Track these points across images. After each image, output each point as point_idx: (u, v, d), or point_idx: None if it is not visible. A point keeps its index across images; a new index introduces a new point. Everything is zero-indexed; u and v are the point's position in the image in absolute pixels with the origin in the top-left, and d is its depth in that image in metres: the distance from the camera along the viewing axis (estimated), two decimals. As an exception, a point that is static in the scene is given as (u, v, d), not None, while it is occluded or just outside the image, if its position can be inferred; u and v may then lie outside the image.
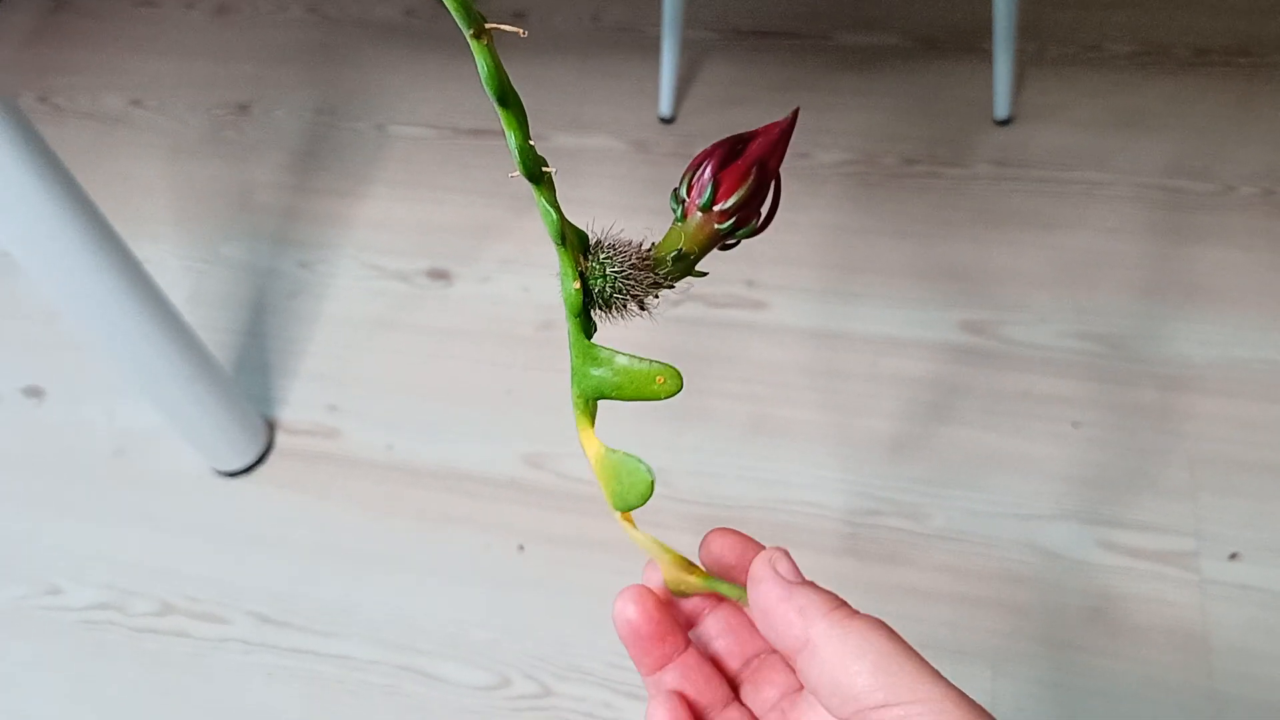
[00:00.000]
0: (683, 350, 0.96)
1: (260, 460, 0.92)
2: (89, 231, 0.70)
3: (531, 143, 0.27)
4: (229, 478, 0.92)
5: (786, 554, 0.32)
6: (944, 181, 1.05)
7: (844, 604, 0.31)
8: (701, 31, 1.23)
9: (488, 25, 0.26)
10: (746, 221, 0.31)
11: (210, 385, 0.84)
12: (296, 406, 0.96)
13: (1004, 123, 1.09)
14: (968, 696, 0.27)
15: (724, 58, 1.19)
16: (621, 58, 1.22)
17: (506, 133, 0.27)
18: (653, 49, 1.22)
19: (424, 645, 0.81)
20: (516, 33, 0.27)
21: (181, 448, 0.95)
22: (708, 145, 0.31)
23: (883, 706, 0.27)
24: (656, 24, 1.25)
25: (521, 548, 0.85)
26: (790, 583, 0.31)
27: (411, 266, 1.05)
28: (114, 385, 1.00)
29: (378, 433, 0.94)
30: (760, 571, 0.31)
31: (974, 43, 1.17)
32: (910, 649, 0.29)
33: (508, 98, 0.27)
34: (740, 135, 0.31)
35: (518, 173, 0.28)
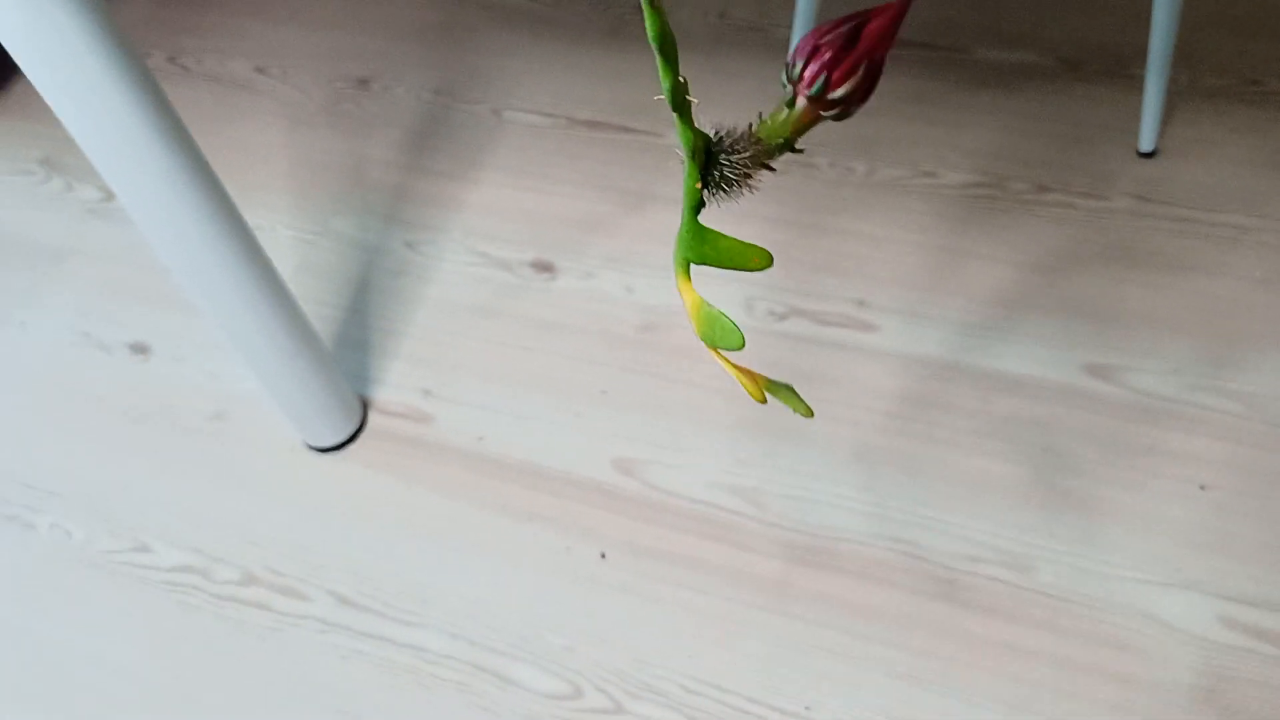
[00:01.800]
0: (786, 366, 0.92)
1: (352, 438, 0.93)
2: (202, 193, 0.70)
3: (681, 79, 0.31)
4: (321, 453, 0.92)
5: None
6: (1078, 213, 0.99)
7: None
8: (830, 35, 1.18)
9: None
10: (849, 110, 0.33)
11: (310, 361, 0.84)
12: (392, 388, 0.96)
13: (1149, 155, 1.02)
14: None
15: (852, 64, 1.15)
16: (747, 57, 1.18)
17: (661, 74, 0.31)
18: (780, 50, 1.19)
19: (499, 644, 0.80)
20: None
21: (278, 418, 0.95)
22: (825, 23, 0.33)
23: None
24: (786, 25, 1.21)
25: (604, 555, 0.84)
26: None
27: (517, 256, 1.04)
28: (218, 348, 1.02)
29: (470, 421, 0.93)
30: None
31: (1121, 67, 1.10)
32: None
33: (666, 47, 0.31)
34: (853, 18, 0.32)
35: (662, 97, 0.35)
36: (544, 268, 1.03)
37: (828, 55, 0.32)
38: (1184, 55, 1.10)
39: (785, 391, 0.36)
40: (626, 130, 1.13)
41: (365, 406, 0.95)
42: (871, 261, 0.98)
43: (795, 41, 1.03)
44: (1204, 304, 0.92)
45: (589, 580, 0.83)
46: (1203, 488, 0.82)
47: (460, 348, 0.98)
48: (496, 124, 1.17)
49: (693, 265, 0.35)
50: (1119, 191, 1.00)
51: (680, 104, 0.32)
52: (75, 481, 0.94)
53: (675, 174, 1.09)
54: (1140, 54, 1.11)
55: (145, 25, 1.37)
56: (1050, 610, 0.77)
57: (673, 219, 1.04)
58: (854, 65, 0.32)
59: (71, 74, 0.59)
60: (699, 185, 0.34)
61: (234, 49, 1.32)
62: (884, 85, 1.13)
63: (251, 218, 1.13)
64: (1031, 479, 0.83)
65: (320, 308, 1.03)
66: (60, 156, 1.23)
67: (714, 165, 0.34)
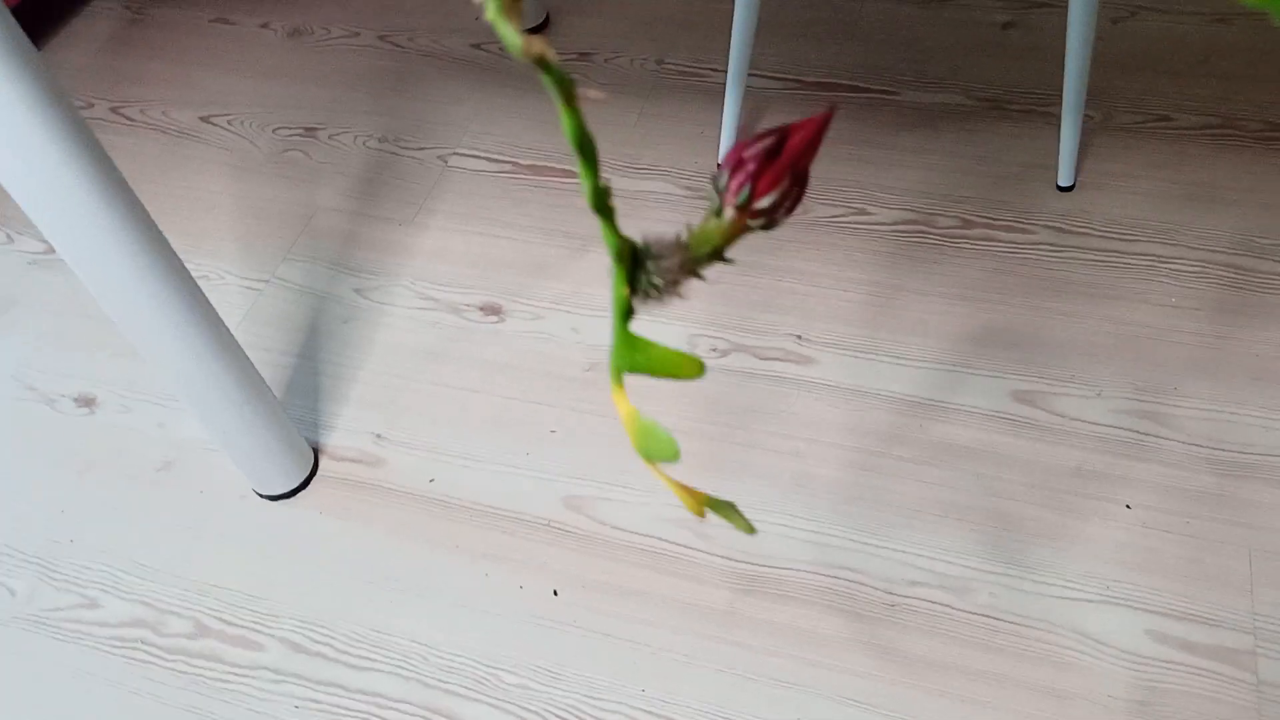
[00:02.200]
0: (728, 401, 0.95)
1: (304, 485, 0.93)
2: (142, 245, 0.70)
3: (602, 183, 0.32)
4: (272, 500, 0.93)
5: None
6: (1002, 246, 1.04)
7: None
8: (765, 79, 1.23)
9: (577, 93, 0.30)
10: (776, 219, 0.34)
11: (259, 409, 0.85)
12: (343, 433, 0.97)
13: (1067, 189, 1.07)
14: None
15: (787, 107, 1.19)
16: (684, 102, 1.22)
17: (581, 176, 0.31)
18: (716, 95, 1.23)
19: (454, 685, 0.81)
20: (599, 98, 0.31)
21: (227, 466, 0.96)
22: (747, 137, 0.35)
23: None
24: (721, 69, 1.25)
25: (556, 592, 0.85)
26: None
27: (465, 300, 1.06)
28: (166, 398, 1.02)
29: (421, 464, 0.94)
30: None
31: (1040, 106, 1.16)
32: None
33: (585, 149, 0.31)
34: (778, 131, 0.33)
35: (586, 204, 0.34)
36: (492, 310, 1.05)
37: (752, 167, 0.33)
38: (1098, 94, 1.16)
39: (726, 508, 0.37)
40: (570, 175, 1.16)
41: (316, 452, 0.95)
42: (808, 298, 1.01)
43: (729, 87, 1.07)
44: (1123, 330, 0.96)
45: (542, 617, 0.84)
46: (1129, 507, 0.85)
47: (410, 391, 1.00)
48: (443, 170, 1.19)
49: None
50: (1040, 225, 1.05)
51: (602, 207, 0.32)
52: (19, 537, 0.93)
53: (620, 216, 1.11)
54: (1057, 94, 1.17)
55: (89, 75, 1.38)
56: (987, 630, 0.80)
57: (617, 260, 1.07)
58: (777, 177, 0.33)
59: (10, 133, 0.60)
60: (627, 292, 0.34)
61: (180, 98, 1.33)
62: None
63: (199, 266, 1.13)
64: (966, 503, 0.87)
65: (269, 355, 1.04)
66: (0, 208, 1.23)
67: (642, 272, 0.35)
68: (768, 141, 0.33)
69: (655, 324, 1.01)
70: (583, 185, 0.32)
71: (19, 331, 1.09)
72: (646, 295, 0.35)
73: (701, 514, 0.36)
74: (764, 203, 0.33)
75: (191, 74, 1.36)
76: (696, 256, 0.35)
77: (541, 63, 0.28)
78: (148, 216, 0.70)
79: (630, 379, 0.97)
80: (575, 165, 1.17)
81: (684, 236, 0.35)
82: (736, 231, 0.35)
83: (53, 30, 1.46)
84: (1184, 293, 0.98)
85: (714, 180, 0.34)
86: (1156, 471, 0.87)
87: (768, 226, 0.35)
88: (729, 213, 0.34)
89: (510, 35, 0.27)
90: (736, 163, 0.33)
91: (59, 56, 1.42)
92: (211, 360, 0.79)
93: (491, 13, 0.27)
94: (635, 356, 0.35)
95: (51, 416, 1.02)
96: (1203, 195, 1.06)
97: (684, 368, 0.35)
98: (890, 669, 0.79)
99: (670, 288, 0.35)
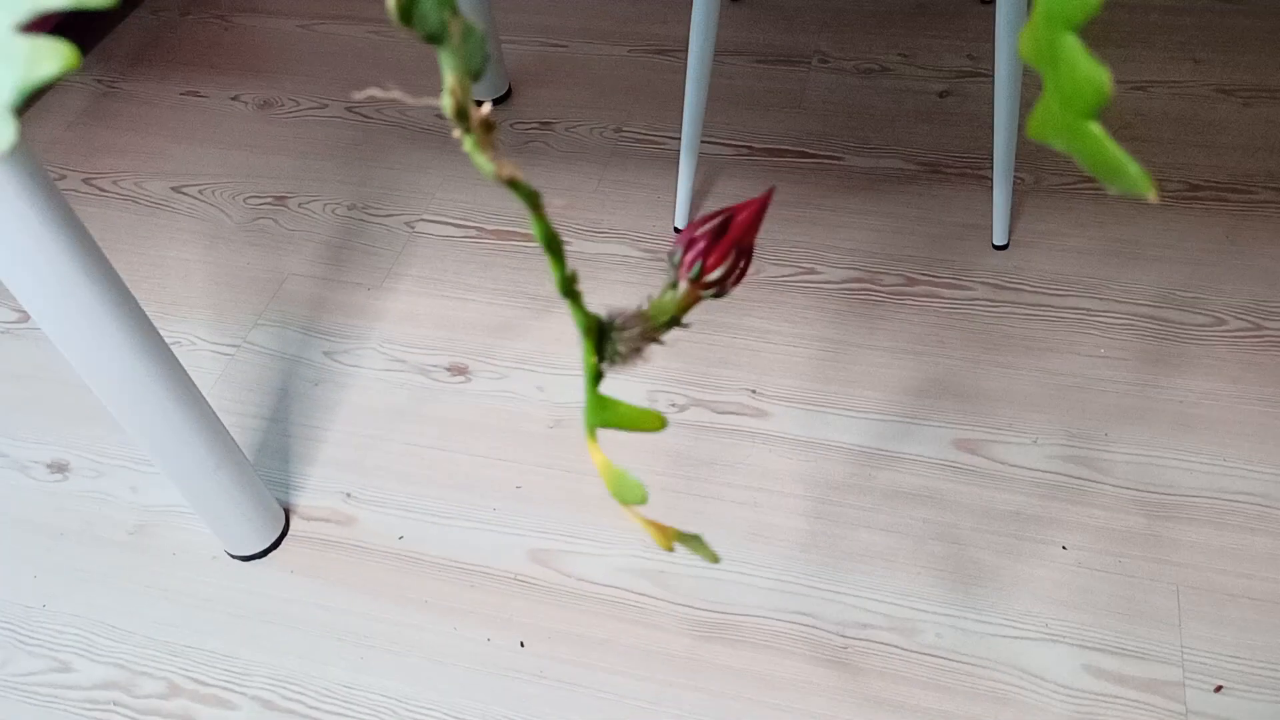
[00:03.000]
0: (687, 454, 0.99)
1: (275, 545, 0.96)
2: (117, 311, 0.73)
3: (570, 272, 0.36)
4: (244, 560, 0.95)
5: None
6: (943, 302, 1.10)
7: None
8: (718, 146, 1.29)
9: (543, 202, 0.34)
10: (725, 289, 0.39)
11: (231, 472, 0.88)
12: (314, 493, 1.00)
13: (1002, 248, 1.14)
14: None
15: (738, 172, 1.25)
16: (641, 167, 1.28)
17: (551, 268, 0.36)
18: (671, 161, 1.29)
19: (423, 738, 0.83)
20: (563, 206, 0.36)
21: (199, 528, 0.98)
22: (698, 218, 0.39)
23: None
24: (676, 136, 1.32)
25: (523, 644, 0.88)
26: None
27: (432, 361, 1.10)
28: (137, 461, 1.04)
29: (391, 521, 0.97)
30: None
31: (975, 169, 1.23)
32: None
33: (553, 246, 0.35)
34: (725, 212, 0.39)
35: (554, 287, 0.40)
36: (458, 371, 1.09)
37: (702, 244, 0.38)
38: (1028, 158, 1.24)
39: (693, 541, 0.42)
40: (533, 240, 1.21)
41: (287, 512, 0.98)
42: (761, 354, 1.07)
43: (683, 153, 1.13)
44: (1056, 381, 1.02)
45: (509, 668, 0.87)
46: (1064, 548, 0.90)
47: (380, 450, 1.03)
48: (410, 236, 1.24)
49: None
50: (978, 281, 1.11)
51: (571, 292, 0.36)
52: (-7, 603, 0.95)
53: (581, 278, 1.16)
54: (991, 158, 1.24)
55: (61, 146, 1.41)
56: (934, 669, 0.84)
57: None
58: (725, 251, 0.38)
59: None
60: (595, 360, 0.39)
61: (151, 169, 1.37)
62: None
63: (172, 333, 1.16)
64: (912, 547, 0.91)
65: (241, 418, 1.07)
66: (-25, 279, 1.25)
67: (608, 342, 0.39)
68: (715, 221, 0.38)
69: (619, 382, 1.05)
70: (553, 275, 0.36)
71: (-8, 399, 1.12)
72: (613, 361, 0.39)
73: (670, 547, 0.41)
74: (714, 275, 0.38)
75: (163, 145, 1.40)
76: (656, 325, 0.40)
77: (513, 183, 0.33)
78: (123, 285, 0.74)
79: (602, 434, 1.01)
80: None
81: (644, 307, 0.40)
82: (691, 302, 0.40)
83: (26, 104, 1.50)
84: (1112, 344, 1.05)
85: (670, 257, 0.39)
86: (1089, 514, 0.92)
87: (718, 295, 0.40)
88: (683, 285, 0.39)
89: (484, 164, 0.32)
90: (689, 241, 0.39)
91: (33, 130, 1.45)
92: (184, 425, 0.82)
93: (468, 146, 0.31)
94: (605, 415, 0.40)
95: (24, 483, 1.04)
96: (1127, 252, 1.13)
97: (647, 422, 0.40)
98: (844, 708, 0.82)
99: (634, 354, 0.39)
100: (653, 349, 0.41)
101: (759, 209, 0.38)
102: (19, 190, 0.64)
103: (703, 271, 0.38)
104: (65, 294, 0.70)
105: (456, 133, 0.31)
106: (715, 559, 0.41)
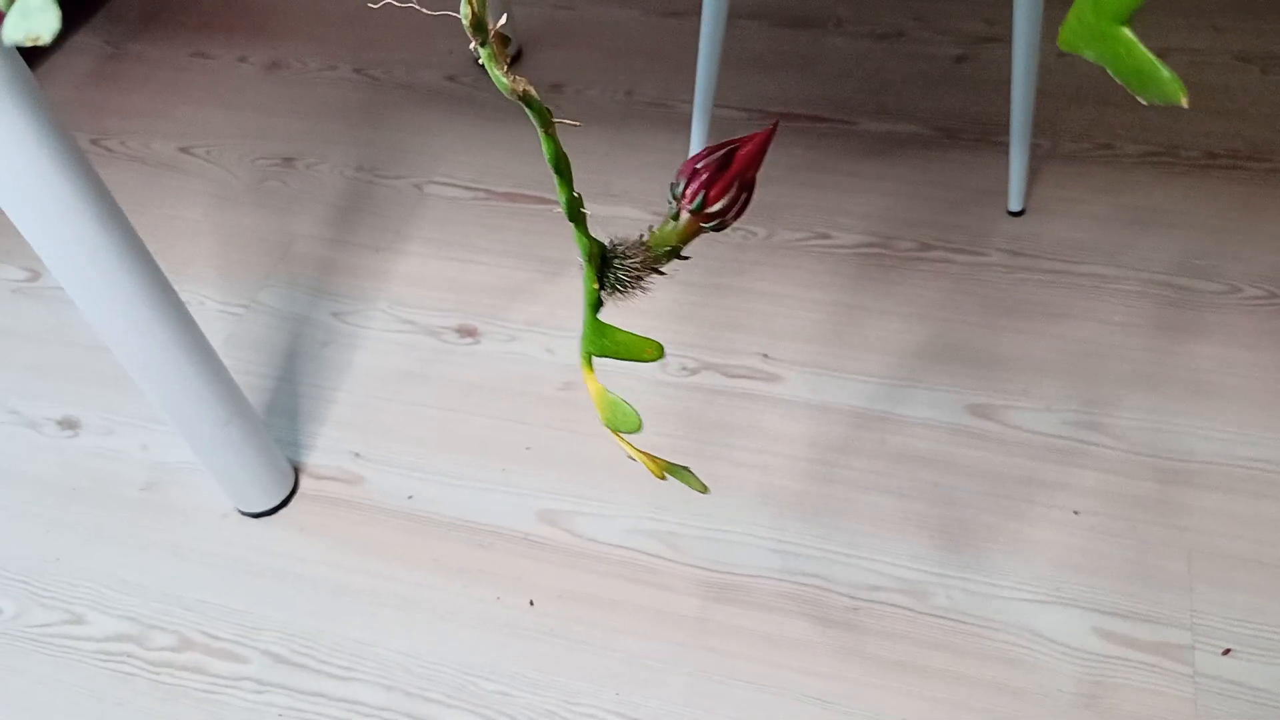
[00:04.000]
0: (698, 417, 0.99)
1: (285, 503, 0.96)
2: (137, 270, 0.73)
3: (575, 194, 0.36)
4: (254, 518, 0.95)
5: None
6: (958, 268, 1.09)
7: None
8: (730, 110, 1.28)
9: (554, 120, 0.34)
10: (726, 222, 0.38)
11: (243, 429, 0.88)
12: (322, 452, 0.99)
13: (1017, 214, 1.13)
14: None
15: (751, 137, 1.24)
16: (652, 132, 1.27)
17: (558, 190, 0.35)
18: (683, 125, 1.27)
19: (434, 693, 0.83)
20: (574, 125, 0.36)
21: (210, 486, 0.98)
22: (702, 150, 0.38)
23: None
24: (688, 101, 1.31)
25: (532, 603, 0.88)
26: None
27: (441, 322, 1.09)
28: (147, 420, 1.04)
29: (399, 482, 0.97)
30: None
31: (991, 135, 1.22)
32: None
33: (561, 168, 0.35)
34: (727, 144, 0.38)
35: (560, 212, 0.39)
36: (468, 333, 1.08)
37: (705, 176, 0.38)
38: (1045, 124, 1.22)
39: (682, 471, 0.42)
40: (543, 202, 1.20)
41: (297, 471, 0.98)
42: (774, 318, 1.06)
43: (696, 117, 1.12)
44: (1071, 347, 1.01)
45: (519, 627, 0.87)
46: (1076, 513, 0.90)
47: (388, 411, 1.03)
48: (419, 198, 1.23)
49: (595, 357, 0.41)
50: (993, 247, 1.10)
51: (576, 215, 0.36)
52: (5, 556, 0.95)
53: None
54: (1007, 124, 1.23)
55: (69, 107, 1.40)
56: (945, 631, 0.84)
57: (589, 283, 1.11)
58: (728, 184, 0.38)
59: (11, 158, 0.63)
60: (596, 287, 0.39)
61: (159, 130, 1.36)
62: (782, 155, 1.22)
63: (181, 292, 1.16)
64: (924, 511, 0.91)
65: (250, 378, 1.07)
66: (-17, 238, 1.25)
67: (609, 269, 0.39)
68: (719, 154, 0.37)
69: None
70: (559, 197, 0.36)
71: (2, 357, 1.11)
72: (614, 289, 0.39)
73: (663, 476, 0.41)
74: (716, 208, 0.38)
75: (171, 106, 1.39)
76: (657, 255, 0.39)
77: (526, 98, 0.33)
78: (140, 242, 0.73)
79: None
80: (550, 189, 1.21)
81: (645, 238, 0.39)
82: (691, 233, 0.39)
83: (34, 65, 1.49)
84: (1127, 311, 1.04)
85: (672, 188, 0.39)
86: (1102, 479, 0.92)
87: (719, 229, 0.39)
88: (685, 216, 0.38)
89: (498, 75, 0.31)
90: (691, 172, 0.38)
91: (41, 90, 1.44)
92: (197, 378, 0.82)
93: (485, 57, 0.31)
94: (603, 341, 0.39)
95: (35, 439, 1.04)
96: (1145, 219, 1.12)
97: (646, 351, 0.39)
98: (854, 670, 0.82)
99: (635, 283, 0.39)
100: (653, 281, 0.41)
101: (762, 142, 0.38)
102: (46, 149, 0.63)
103: (705, 203, 0.38)
104: (85, 251, 0.70)
105: (473, 45, 0.31)
106: (704, 489, 0.41)
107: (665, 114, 1.29)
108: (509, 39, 0.31)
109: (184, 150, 1.33)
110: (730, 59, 1.35)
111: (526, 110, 0.33)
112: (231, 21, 1.51)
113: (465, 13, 0.30)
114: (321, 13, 1.51)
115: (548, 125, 0.34)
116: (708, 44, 1.06)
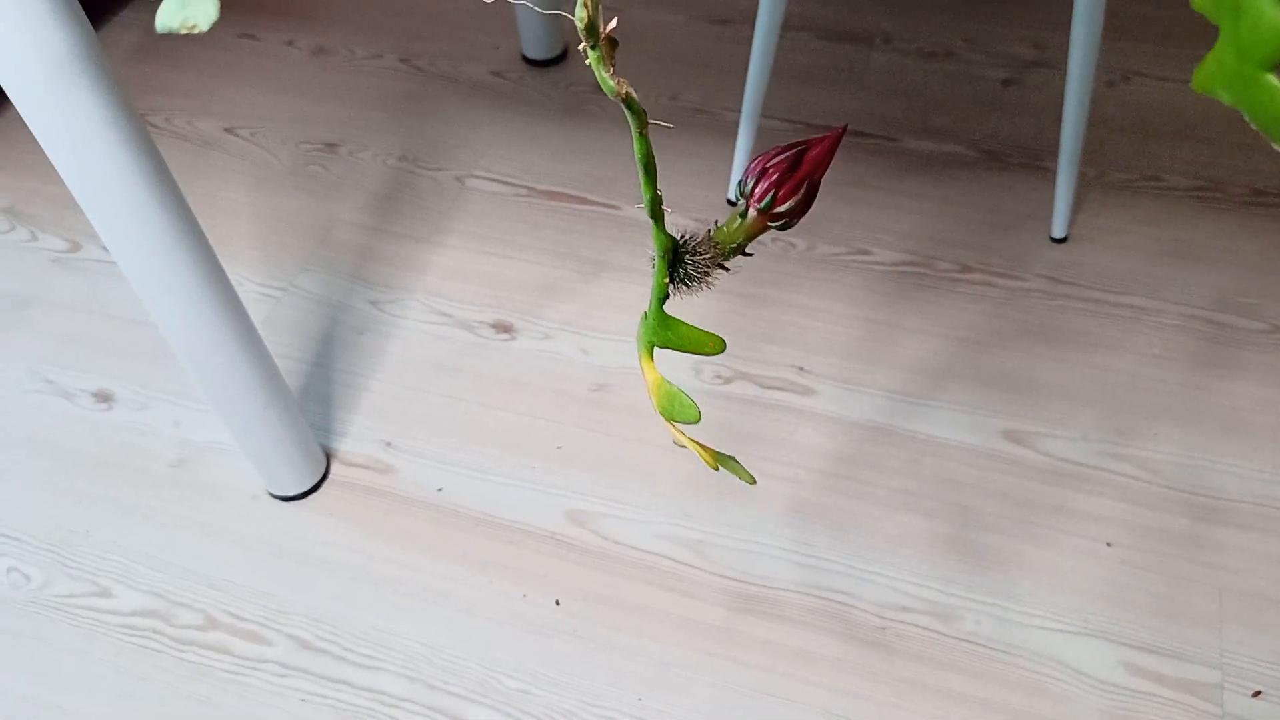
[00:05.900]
0: (731, 427, 0.99)
1: (315, 488, 0.96)
2: (193, 249, 0.74)
3: (658, 193, 0.37)
4: (284, 501, 0.95)
5: None
6: (997, 292, 1.08)
7: None
8: (776, 121, 1.28)
9: (649, 122, 0.35)
10: (793, 221, 0.39)
11: (280, 411, 0.88)
12: (354, 440, 1.00)
13: (1060, 241, 1.13)
14: None
15: (794, 148, 1.24)
16: (697, 138, 1.27)
17: (643, 188, 0.36)
18: (728, 133, 1.27)
19: (456, 687, 0.83)
20: (666, 127, 0.37)
21: (240, 466, 0.98)
22: (773, 148, 0.39)
23: None
24: (734, 109, 1.30)
25: (558, 602, 0.88)
26: None
27: (477, 317, 1.09)
28: (180, 396, 1.04)
29: (429, 473, 0.97)
30: None
31: (1036, 160, 1.21)
32: None
33: (649, 168, 0.36)
34: (796, 145, 0.39)
35: (642, 207, 0.39)
36: (503, 329, 1.09)
37: (775, 176, 0.38)
38: (1093, 152, 1.22)
39: (731, 462, 0.43)
40: (584, 202, 1.20)
41: (328, 457, 0.98)
42: (810, 331, 1.06)
43: (742, 125, 1.12)
44: (1108, 377, 1.01)
45: (543, 626, 0.87)
46: (1108, 545, 0.89)
47: (421, 403, 1.03)
48: (460, 191, 1.23)
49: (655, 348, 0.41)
50: (1034, 273, 1.10)
51: (657, 213, 0.38)
52: (35, 526, 0.95)
53: (630, 244, 1.16)
54: (1054, 150, 1.23)
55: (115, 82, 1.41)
56: (971, 656, 0.83)
57: (626, 286, 1.11)
58: (797, 185, 0.38)
59: (79, 131, 0.64)
60: (667, 281, 0.40)
61: (204, 109, 1.36)
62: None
63: (218, 272, 1.16)
64: (954, 535, 0.90)
65: (285, 361, 1.07)
66: (25, 206, 1.26)
67: (680, 264, 0.40)
68: (789, 154, 0.38)
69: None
70: (644, 195, 0.37)
71: (39, 327, 1.12)
72: (682, 284, 0.40)
73: (715, 466, 0.41)
74: (784, 207, 0.38)
75: (216, 86, 1.40)
76: (724, 250, 0.40)
77: (628, 100, 0.33)
78: (195, 222, 0.74)
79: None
80: (591, 189, 1.21)
81: (712, 233, 0.40)
82: (757, 230, 0.40)
83: (81, 36, 1.50)
84: (1166, 344, 1.03)
85: (740, 186, 0.39)
86: (1135, 512, 0.91)
87: (784, 228, 0.40)
88: (752, 215, 0.39)
89: (604, 77, 0.32)
90: (761, 171, 0.38)
91: (87, 61, 1.45)
92: (241, 358, 0.82)
93: (593, 59, 0.31)
94: (667, 334, 0.41)
95: (69, 410, 1.04)
96: (1188, 253, 1.11)
97: (709, 344, 0.40)
98: (878, 689, 0.82)
99: (703, 277, 0.40)
100: (718, 277, 0.42)
101: (831, 145, 0.38)
102: (105, 119, 0.64)
103: (774, 203, 0.38)
104: (144, 229, 0.70)
105: (583, 46, 0.31)
106: (752, 480, 0.42)
107: (708, 120, 1.29)
108: (617, 42, 0.31)
109: (228, 130, 1.33)
110: (776, 69, 1.35)
111: (626, 111, 0.34)
112: (280, 5, 1.52)
113: (580, 15, 0.31)
114: (370, 1, 1.52)
115: (643, 126, 0.35)
116: (760, 53, 1.06)
